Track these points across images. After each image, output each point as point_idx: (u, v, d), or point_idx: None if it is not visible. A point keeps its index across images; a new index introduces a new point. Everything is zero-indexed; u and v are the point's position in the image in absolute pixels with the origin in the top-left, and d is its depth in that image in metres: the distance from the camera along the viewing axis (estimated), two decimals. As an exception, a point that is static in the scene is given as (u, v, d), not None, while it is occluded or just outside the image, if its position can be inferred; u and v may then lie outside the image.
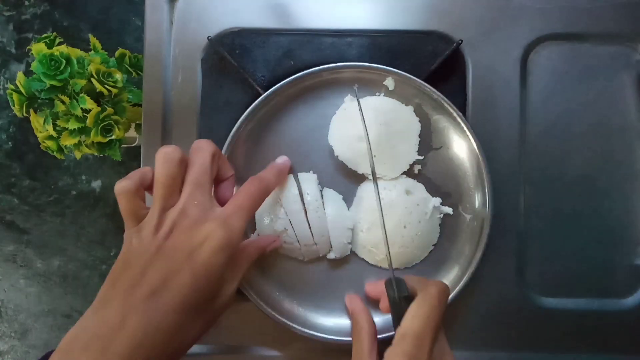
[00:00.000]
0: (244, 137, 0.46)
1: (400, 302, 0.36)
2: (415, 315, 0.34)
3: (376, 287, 0.45)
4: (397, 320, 0.36)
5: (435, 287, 0.36)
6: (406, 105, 0.46)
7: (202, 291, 0.34)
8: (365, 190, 0.46)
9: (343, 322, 0.46)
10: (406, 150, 0.46)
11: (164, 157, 0.35)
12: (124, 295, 0.32)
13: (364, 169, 0.46)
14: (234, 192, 0.40)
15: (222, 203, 0.38)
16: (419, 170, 0.46)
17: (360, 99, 0.46)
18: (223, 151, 0.45)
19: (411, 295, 0.37)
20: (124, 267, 0.34)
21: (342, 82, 0.47)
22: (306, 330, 0.45)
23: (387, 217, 0.44)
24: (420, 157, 0.46)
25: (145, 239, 0.34)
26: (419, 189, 0.46)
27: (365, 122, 0.45)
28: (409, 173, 0.46)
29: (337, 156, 0.46)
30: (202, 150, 0.37)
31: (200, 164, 0.36)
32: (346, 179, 0.47)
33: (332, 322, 0.46)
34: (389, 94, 0.47)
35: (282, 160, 0.45)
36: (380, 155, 0.45)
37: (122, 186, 0.35)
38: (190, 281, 0.33)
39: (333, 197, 0.46)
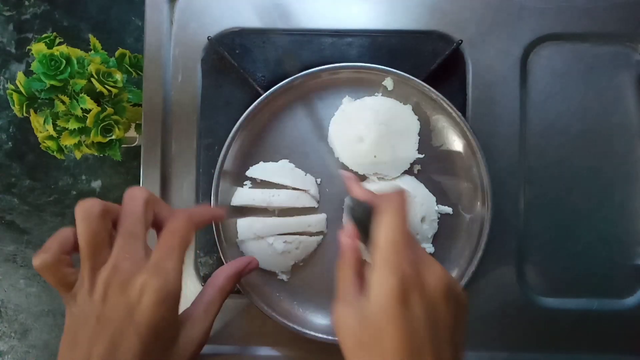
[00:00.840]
0: (243, 138, 0.46)
1: (365, 219, 0.36)
2: (383, 224, 0.33)
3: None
4: (365, 238, 0.35)
5: (394, 194, 0.35)
6: (404, 104, 0.46)
7: (155, 349, 0.32)
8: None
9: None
10: (406, 149, 0.46)
11: (83, 213, 0.32)
12: None
13: (364, 169, 0.46)
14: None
15: None
16: (418, 170, 0.46)
17: (358, 100, 0.46)
18: (222, 152, 0.45)
19: (374, 210, 0.36)
20: (72, 343, 0.32)
21: (341, 83, 0.47)
22: (306, 331, 0.45)
23: None
24: (421, 156, 0.46)
25: (82, 306, 0.32)
26: (432, 228, 0.46)
27: (365, 123, 0.45)
28: (409, 172, 0.46)
29: (338, 158, 0.46)
30: (134, 199, 0.34)
31: (132, 212, 0.33)
32: (346, 179, 0.47)
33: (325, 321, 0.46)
34: (387, 93, 0.47)
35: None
36: (381, 155, 0.45)
37: (40, 262, 0.32)
38: (138, 344, 0.31)
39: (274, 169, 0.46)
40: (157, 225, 0.36)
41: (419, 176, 0.47)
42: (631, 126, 0.49)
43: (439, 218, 0.46)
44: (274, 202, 0.45)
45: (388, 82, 0.46)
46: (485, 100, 0.48)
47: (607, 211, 0.48)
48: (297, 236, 0.45)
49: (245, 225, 0.45)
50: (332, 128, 0.46)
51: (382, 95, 0.47)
